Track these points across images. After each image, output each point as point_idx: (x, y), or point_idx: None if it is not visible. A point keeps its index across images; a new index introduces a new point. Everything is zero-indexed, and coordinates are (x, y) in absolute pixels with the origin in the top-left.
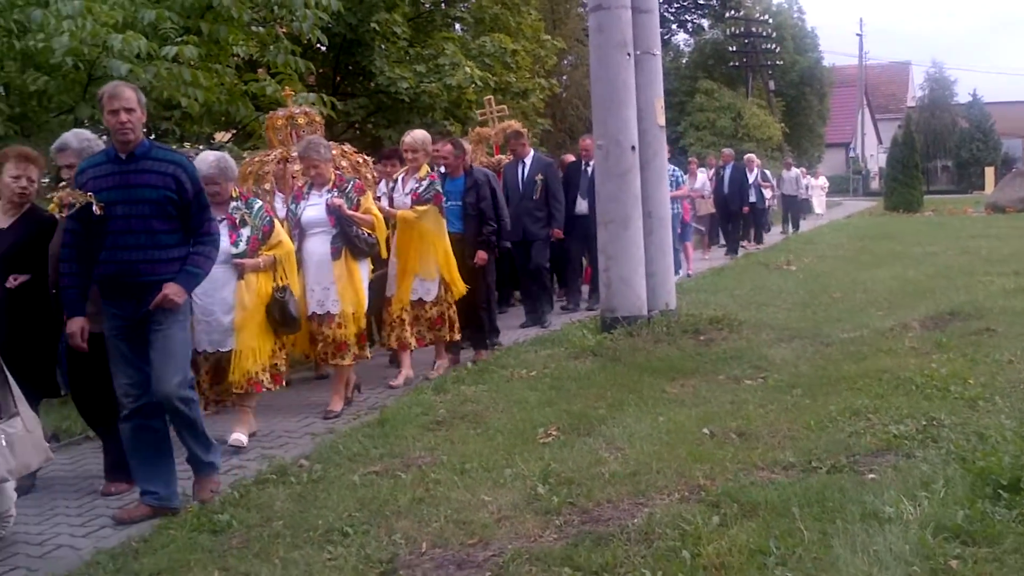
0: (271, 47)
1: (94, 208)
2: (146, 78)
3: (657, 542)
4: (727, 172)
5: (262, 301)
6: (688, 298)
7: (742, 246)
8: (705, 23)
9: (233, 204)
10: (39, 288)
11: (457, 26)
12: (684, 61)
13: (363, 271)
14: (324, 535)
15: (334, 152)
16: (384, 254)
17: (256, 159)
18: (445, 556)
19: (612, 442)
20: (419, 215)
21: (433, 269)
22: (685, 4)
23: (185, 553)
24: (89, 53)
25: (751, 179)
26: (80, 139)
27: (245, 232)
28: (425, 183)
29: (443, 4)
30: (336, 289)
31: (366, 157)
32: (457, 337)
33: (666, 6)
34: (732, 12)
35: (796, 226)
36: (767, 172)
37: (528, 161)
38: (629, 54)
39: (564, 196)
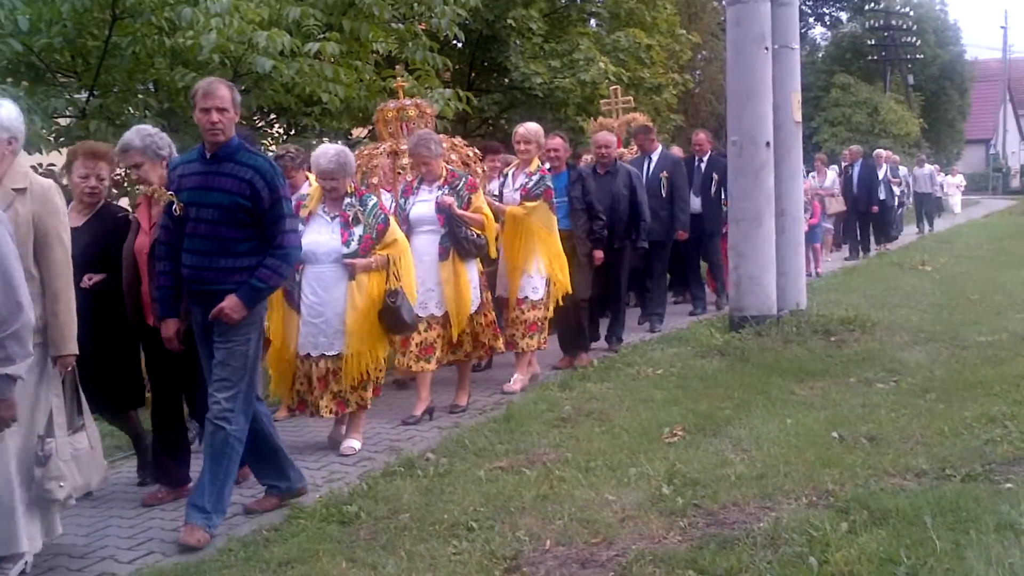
0: (409, 44)
1: (174, 207)
2: (289, 74)
3: (784, 547)
4: (856, 170)
5: (374, 303)
6: (819, 298)
7: (875, 248)
8: (843, 16)
9: (347, 201)
10: (116, 289)
11: (592, 21)
12: (820, 55)
13: (471, 272)
14: (449, 529)
15: (444, 146)
16: (493, 254)
17: (365, 152)
18: (569, 554)
19: (739, 444)
20: (528, 211)
21: (542, 266)
22: None
23: (314, 543)
24: (235, 50)
25: (880, 176)
26: (143, 136)
27: (357, 231)
28: (535, 178)
29: (579, 0)
30: (442, 292)
31: (477, 151)
32: (543, 346)
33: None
34: (872, 5)
35: (931, 224)
36: (898, 168)
37: (655, 157)
38: (767, 48)
39: None
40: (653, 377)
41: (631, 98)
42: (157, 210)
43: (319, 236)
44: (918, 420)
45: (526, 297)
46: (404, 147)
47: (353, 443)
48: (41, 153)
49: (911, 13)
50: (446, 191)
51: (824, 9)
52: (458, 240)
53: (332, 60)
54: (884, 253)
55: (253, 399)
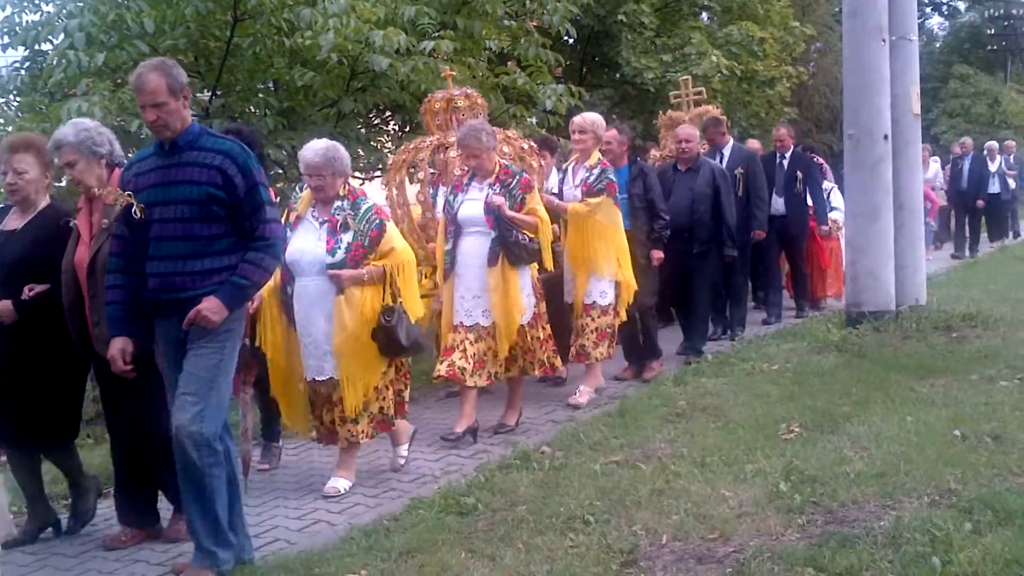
0: (522, 40)
1: (133, 211)
2: (404, 72)
3: (905, 547)
4: (966, 163)
5: (367, 322)
6: (939, 293)
7: (991, 245)
8: (961, 5)
9: (337, 204)
10: (58, 302)
11: (704, 15)
12: (938, 45)
13: (523, 280)
14: (566, 522)
15: (497, 138)
16: (549, 263)
17: (411, 146)
18: (685, 549)
19: (857, 441)
20: (591, 208)
21: (610, 268)
22: None
23: (434, 533)
24: (352, 49)
25: (993, 168)
26: (78, 131)
27: (345, 238)
28: (596, 172)
29: None
30: (488, 300)
31: (532, 144)
32: (611, 355)
33: None
34: None
35: None
36: (1011, 158)
37: (727, 152)
38: (884, 40)
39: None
40: (768, 372)
41: (703, 89)
42: (98, 217)
43: (304, 243)
44: None
45: (594, 303)
46: (452, 139)
47: (339, 483)
48: None
49: None
50: (497, 189)
51: None
52: (508, 245)
53: (446, 58)
54: (1005, 247)
55: (223, 416)
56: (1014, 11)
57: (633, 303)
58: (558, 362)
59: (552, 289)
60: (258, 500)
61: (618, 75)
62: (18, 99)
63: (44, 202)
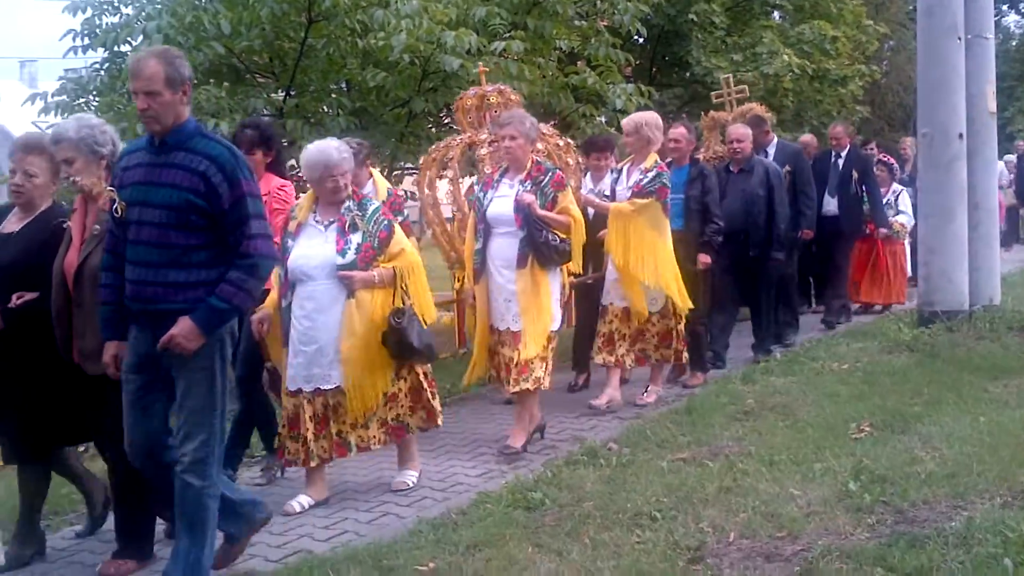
0: (592, 40)
1: (115, 207)
2: (475, 72)
3: (977, 548)
4: None
5: (376, 326)
6: (1014, 293)
7: None
8: None
9: (345, 204)
10: (47, 313)
11: (776, 14)
12: (1014, 43)
13: (553, 283)
14: (633, 518)
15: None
16: (575, 266)
17: (442, 145)
18: (753, 547)
19: (928, 441)
20: (636, 208)
21: (655, 274)
22: None
23: (501, 527)
24: (424, 50)
25: None
26: (81, 126)
27: (355, 238)
28: (651, 175)
29: None
30: (518, 304)
31: (569, 140)
32: (685, 355)
33: None
34: None
35: None
36: None
37: (771, 150)
38: (960, 38)
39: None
40: (838, 372)
41: (745, 87)
42: (91, 220)
43: (310, 248)
44: None
45: (648, 311)
46: (483, 136)
47: (406, 476)
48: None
49: None
50: (528, 187)
51: None
52: (538, 245)
53: (516, 58)
54: None
55: (222, 443)
56: None
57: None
58: (547, 378)
59: (588, 289)
60: (328, 494)
61: (688, 74)
62: (97, 99)
63: (46, 204)
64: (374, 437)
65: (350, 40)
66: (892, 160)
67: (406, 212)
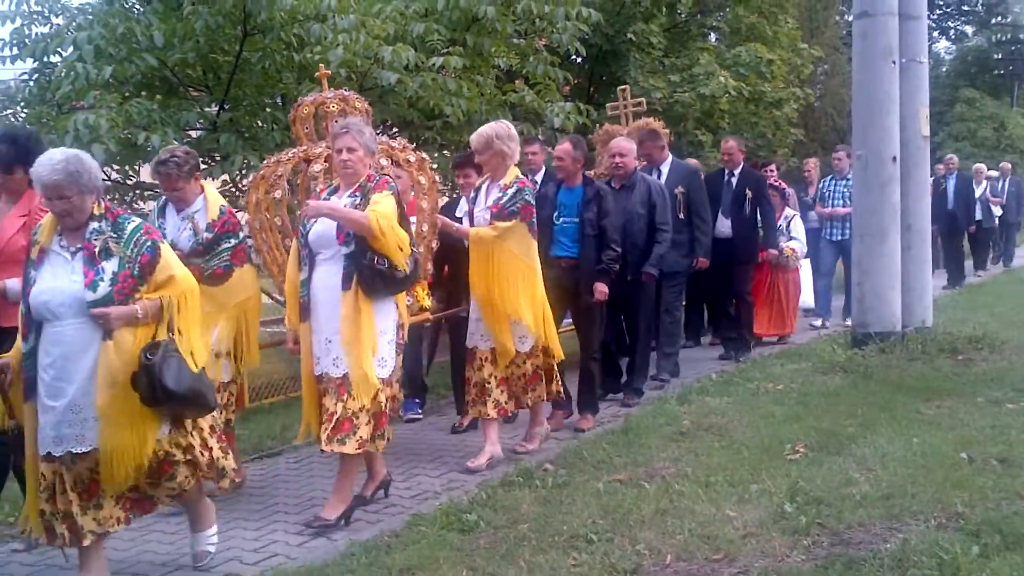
0: (531, 58)
1: None
2: (413, 88)
3: (912, 570)
4: (950, 183)
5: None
6: (944, 315)
7: (976, 275)
8: (969, 30)
9: (92, 227)
10: None
11: (713, 36)
12: (944, 69)
13: (381, 318)
14: (569, 540)
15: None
16: (423, 298)
17: (272, 160)
18: (689, 570)
19: (863, 462)
20: (499, 233)
21: (524, 307)
22: (948, 11)
23: (435, 550)
24: (361, 65)
25: (978, 193)
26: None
27: (109, 266)
28: (511, 191)
29: (699, 15)
30: (341, 339)
31: (424, 156)
32: (559, 389)
33: (928, 13)
34: (999, 18)
35: None
36: (1000, 185)
37: (664, 169)
38: (894, 62)
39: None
40: (773, 392)
41: (642, 101)
42: None
43: (55, 280)
44: None
45: (517, 351)
46: (319, 151)
47: (205, 544)
48: None
49: None
50: (358, 199)
51: (949, 23)
52: (360, 267)
53: (455, 74)
54: (1013, 270)
55: None
56: (1021, 36)
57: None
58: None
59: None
60: (258, 515)
61: None
62: (26, 110)
63: None
64: (112, 518)
65: (286, 54)
66: (784, 185)
67: (242, 234)
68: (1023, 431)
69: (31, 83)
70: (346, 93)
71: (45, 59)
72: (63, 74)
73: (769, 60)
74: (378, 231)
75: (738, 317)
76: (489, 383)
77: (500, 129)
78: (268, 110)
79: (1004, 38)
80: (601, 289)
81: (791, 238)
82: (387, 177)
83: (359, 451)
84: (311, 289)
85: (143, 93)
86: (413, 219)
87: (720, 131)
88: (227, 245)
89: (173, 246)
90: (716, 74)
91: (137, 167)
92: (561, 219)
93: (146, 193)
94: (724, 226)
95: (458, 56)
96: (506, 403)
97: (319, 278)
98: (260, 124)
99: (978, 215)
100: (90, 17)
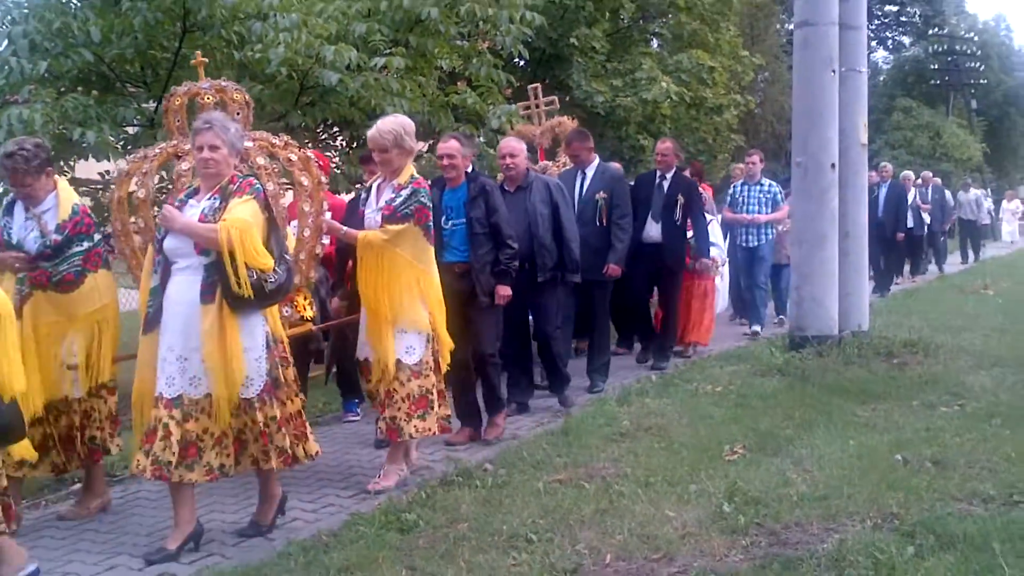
0: (474, 60)
1: None
2: (355, 87)
3: (848, 570)
4: (882, 191)
5: None
6: (881, 320)
7: (895, 283)
8: (906, 40)
9: None
10: None
11: (655, 42)
12: (882, 78)
13: (247, 333)
14: (508, 540)
15: (249, 144)
16: (303, 308)
17: (139, 156)
18: (629, 569)
19: (800, 463)
20: (390, 237)
21: (416, 317)
22: (886, 21)
23: (374, 550)
24: (302, 64)
25: (909, 200)
26: None
27: None
28: (406, 192)
29: (642, 20)
30: (201, 355)
31: (309, 154)
32: (442, 430)
33: (867, 23)
34: (935, 29)
35: (976, 254)
36: (936, 191)
37: (589, 172)
38: (834, 71)
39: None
40: (712, 394)
41: (555, 99)
42: None
43: None
44: (984, 445)
45: (399, 362)
46: (188, 146)
47: None
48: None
49: (975, 38)
50: (217, 202)
51: (887, 33)
52: (224, 275)
53: (397, 75)
54: (945, 276)
55: None
56: (957, 47)
57: (474, 354)
58: (310, 448)
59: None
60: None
61: (568, 98)
62: None
63: None
64: None
65: (226, 52)
66: (705, 188)
67: (97, 236)
68: (956, 434)
69: None
70: (224, 83)
71: None
72: None
73: (711, 67)
74: (225, 245)
75: (665, 326)
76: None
77: (407, 124)
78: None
79: (940, 48)
80: (503, 293)
81: (711, 244)
82: (251, 179)
83: (208, 479)
84: (164, 300)
85: (79, 88)
86: (295, 224)
87: (661, 135)
88: (79, 248)
89: (19, 248)
90: (658, 79)
91: (72, 163)
92: (450, 223)
93: (81, 189)
94: (654, 231)
95: (400, 56)
96: (382, 423)
97: (174, 289)
98: None
99: (910, 223)
100: (25, 11)
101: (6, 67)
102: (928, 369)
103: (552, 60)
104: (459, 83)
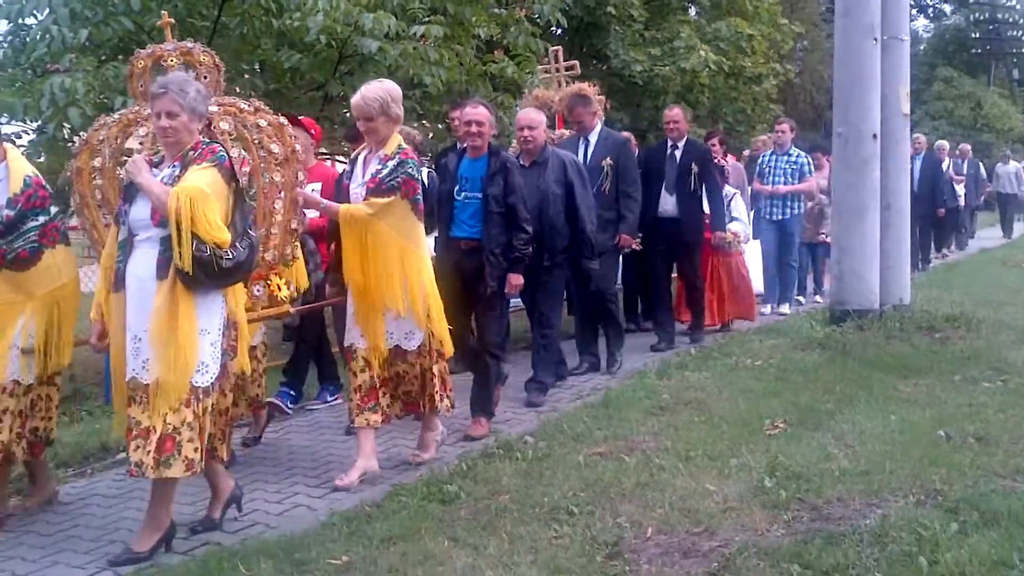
0: (511, 28)
1: None
2: (393, 55)
3: (891, 546)
4: (916, 164)
5: None
6: (922, 294)
7: (936, 256)
8: (947, 8)
9: None
10: None
11: (693, 10)
12: (922, 47)
13: (203, 312)
14: (549, 513)
15: (215, 107)
16: (277, 288)
17: (99, 124)
18: (670, 543)
19: (842, 438)
20: (374, 212)
21: (405, 298)
22: None
23: (416, 520)
24: (341, 32)
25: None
26: None
27: None
28: (392, 163)
29: None
30: (151, 337)
31: (282, 120)
32: (448, 403)
33: None
34: None
35: (1010, 229)
36: (964, 162)
37: (593, 139)
38: (876, 39)
39: (643, 191)
40: (752, 368)
41: (576, 63)
42: None
43: None
44: None
45: (397, 346)
46: (148, 112)
47: None
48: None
49: (1017, 6)
50: (178, 169)
51: (928, 1)
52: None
53: (435, 44)
54: (988, 249)
55: None
56: (999, 15)
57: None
58: (228, 450)
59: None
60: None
61: (606, 67)
62: (0, 73)
63: None
64: None
65: (265, 20)
66: (724, 162)
67: (54, 210)
68: (999, 409)
69: (5, 46)
70: (190, 45)
71: (20, 21)
72: (38, 37)
73: (749, 35)
74: (173, 214)
75: (692, 305)
76: (374, 386)
77: (394, 90)
78: (246, 76)
79: (982, 17)
80: (515, 283)
81: (732, 218)
82: (216, 146)
83: (188, 473)
84: (127, 275)
85: (119, 57)
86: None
87: (699, 106)
88: (34, 223)
89: None
90: (697, 48)
91: None
92: (463, 194)
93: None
94: (669, 204)
95: (439, 24)
96: (388, 407)
97: (133, 264)
98: (238, 91)
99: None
100: None
101: (47, 35)
102: (970, 344)
103: (589, 28)
104: (496, 52)
